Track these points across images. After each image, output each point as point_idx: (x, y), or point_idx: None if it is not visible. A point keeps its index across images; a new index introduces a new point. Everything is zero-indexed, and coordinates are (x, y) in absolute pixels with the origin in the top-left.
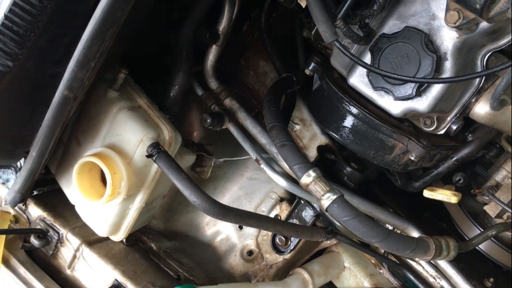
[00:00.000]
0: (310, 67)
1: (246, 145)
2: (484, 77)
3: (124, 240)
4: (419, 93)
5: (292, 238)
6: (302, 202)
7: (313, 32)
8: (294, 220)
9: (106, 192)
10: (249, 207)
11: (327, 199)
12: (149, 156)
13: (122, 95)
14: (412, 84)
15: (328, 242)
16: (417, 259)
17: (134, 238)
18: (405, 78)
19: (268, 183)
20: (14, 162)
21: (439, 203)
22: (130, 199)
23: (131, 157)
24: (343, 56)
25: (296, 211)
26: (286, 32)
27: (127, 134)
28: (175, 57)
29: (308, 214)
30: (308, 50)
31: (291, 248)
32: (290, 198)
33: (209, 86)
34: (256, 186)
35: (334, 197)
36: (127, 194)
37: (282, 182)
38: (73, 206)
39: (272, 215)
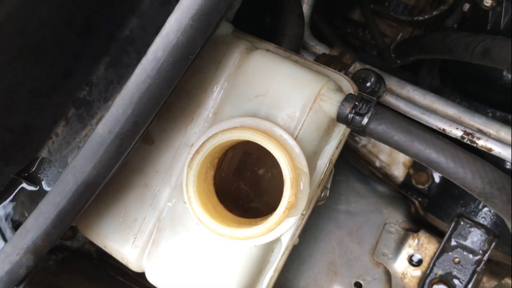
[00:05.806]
0: None
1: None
2: None
3: None
4: None
5: None
6: (462, 222)
7: None
8: (455, 255)
9: (284, 198)
10: (360, 252)
11: None
12: (354, 119)
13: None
14: None
15: None
16: None
17: None
18: None
19: (376, 212)
20: None
21: None
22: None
23: (295, 134)
24: None
25: (456, 237)
26: None
27: (281, 89)
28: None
29: (477, 239)
30: None
31: None
32: (415, 227)
33: (312, 51)
34: (360, 219)
35: None
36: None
37: None
38: None
39: (403, 258)
